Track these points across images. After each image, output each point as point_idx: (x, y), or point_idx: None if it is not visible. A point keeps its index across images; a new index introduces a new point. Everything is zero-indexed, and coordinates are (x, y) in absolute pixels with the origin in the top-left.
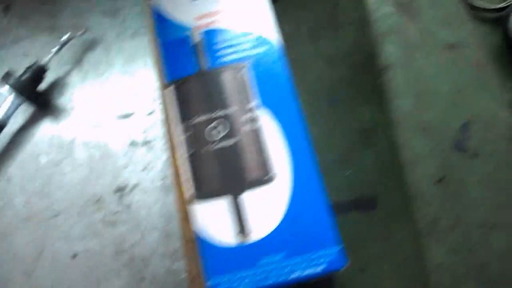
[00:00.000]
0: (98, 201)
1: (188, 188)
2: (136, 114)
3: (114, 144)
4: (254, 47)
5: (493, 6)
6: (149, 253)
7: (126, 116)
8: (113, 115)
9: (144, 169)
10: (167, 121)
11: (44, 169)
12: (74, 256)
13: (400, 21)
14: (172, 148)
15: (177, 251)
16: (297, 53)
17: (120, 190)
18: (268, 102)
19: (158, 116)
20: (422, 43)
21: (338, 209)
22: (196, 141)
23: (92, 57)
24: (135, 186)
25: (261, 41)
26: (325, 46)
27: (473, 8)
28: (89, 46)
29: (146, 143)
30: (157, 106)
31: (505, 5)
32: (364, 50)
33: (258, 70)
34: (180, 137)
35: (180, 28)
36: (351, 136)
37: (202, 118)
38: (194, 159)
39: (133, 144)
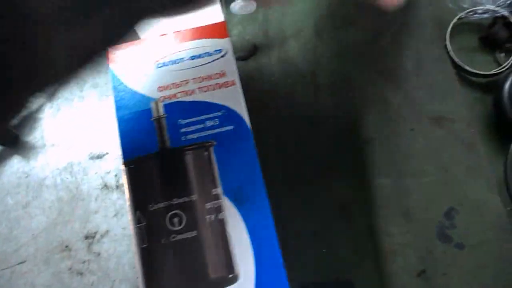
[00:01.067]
0: (66, 248)
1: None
2: (109, 155)
3: (85, 187)
4: (221, 124)
5: (486, 72)
6: None
7: (99, 156)
8: (85, 154)
9: (116, 215)
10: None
11: (11, 211)
12: None
13: (383, 90)
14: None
15: None
16: (272, 111)
17: (90, 237)
18: (234, 189)
19: None
20: (406, 115)
21: None
22: (151, 232)
23: (65, 91)
24: (105, 233)
25: (229, 117)
26: (303, 106)
27: (463, 73)
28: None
29: (118, 187)
30: None
31: (498, 71)
32: (344, 117)
33: (224, 151)
34: (134, 226)
35: (140, 99)
36: (328, 210)
37: (159, 205)
38: (148, 253)
39: (105, 187)
